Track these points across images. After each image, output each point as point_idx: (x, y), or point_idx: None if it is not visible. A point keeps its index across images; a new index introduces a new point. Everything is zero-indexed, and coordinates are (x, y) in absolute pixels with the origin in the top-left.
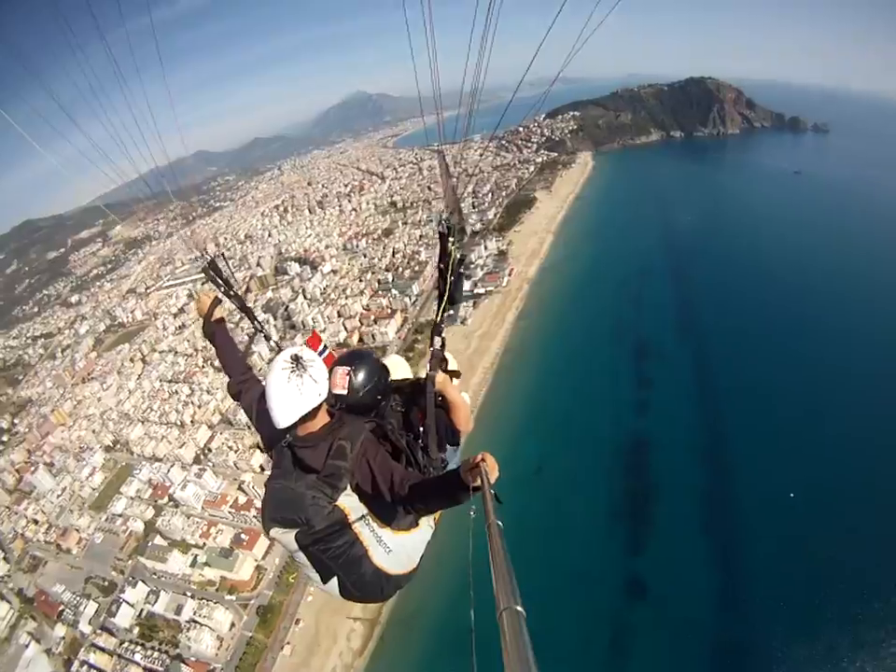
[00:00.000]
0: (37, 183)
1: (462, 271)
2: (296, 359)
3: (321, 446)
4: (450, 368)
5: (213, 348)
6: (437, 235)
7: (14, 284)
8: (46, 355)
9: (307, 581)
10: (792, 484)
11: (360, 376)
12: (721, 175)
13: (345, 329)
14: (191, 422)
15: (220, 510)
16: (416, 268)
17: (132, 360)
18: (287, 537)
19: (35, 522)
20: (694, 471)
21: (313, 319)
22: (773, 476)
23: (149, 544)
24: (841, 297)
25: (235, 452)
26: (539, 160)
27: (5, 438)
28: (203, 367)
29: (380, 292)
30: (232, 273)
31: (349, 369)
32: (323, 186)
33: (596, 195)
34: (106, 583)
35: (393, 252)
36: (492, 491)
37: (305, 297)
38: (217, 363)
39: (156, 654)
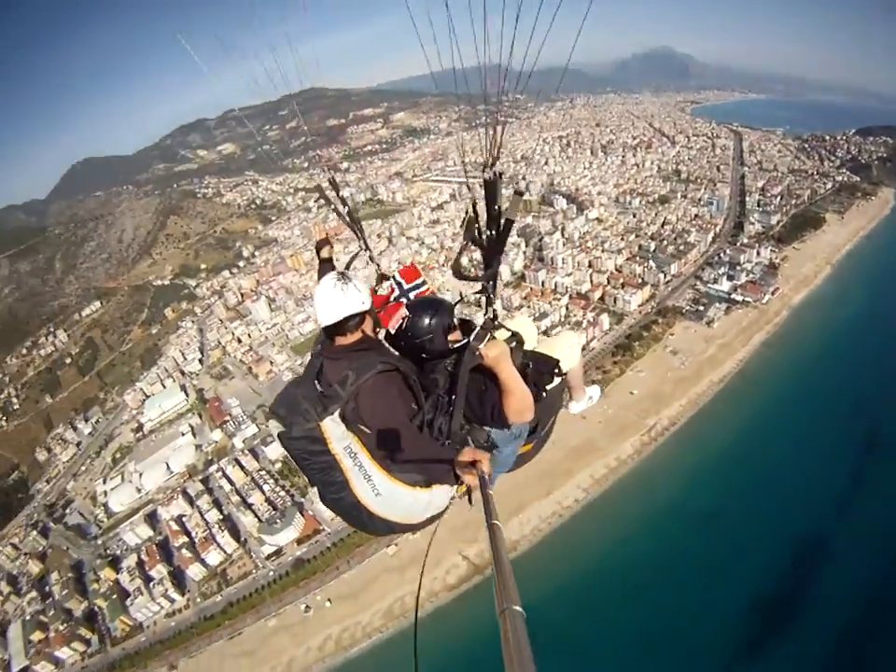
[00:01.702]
0: (339, 54)
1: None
2: (342, 276)
3: (342, 363)
4: (527, 347)
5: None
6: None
7: (291, 139)
8: (301, 206)
9: None
10: None
11: (421, 323)
12: None
13: (591, 282)
14: None
15: None
16: (682, 247)
17: (378, 236)
18: (276, 432)
19: (239, 341)
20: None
21: (563, 259)
22: None
23: None
24: None
25: None
26: (840, 178)
27: (241, 263)
28: (443, 265)
29: (637, 258)
30: (347, 197)
31: (411, 314)
32: (611, 131)
33: (890, 242)
34: None
35: (664, 222)
36: (491, 493)
37: (563, 235)
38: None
39: (282, 492)
